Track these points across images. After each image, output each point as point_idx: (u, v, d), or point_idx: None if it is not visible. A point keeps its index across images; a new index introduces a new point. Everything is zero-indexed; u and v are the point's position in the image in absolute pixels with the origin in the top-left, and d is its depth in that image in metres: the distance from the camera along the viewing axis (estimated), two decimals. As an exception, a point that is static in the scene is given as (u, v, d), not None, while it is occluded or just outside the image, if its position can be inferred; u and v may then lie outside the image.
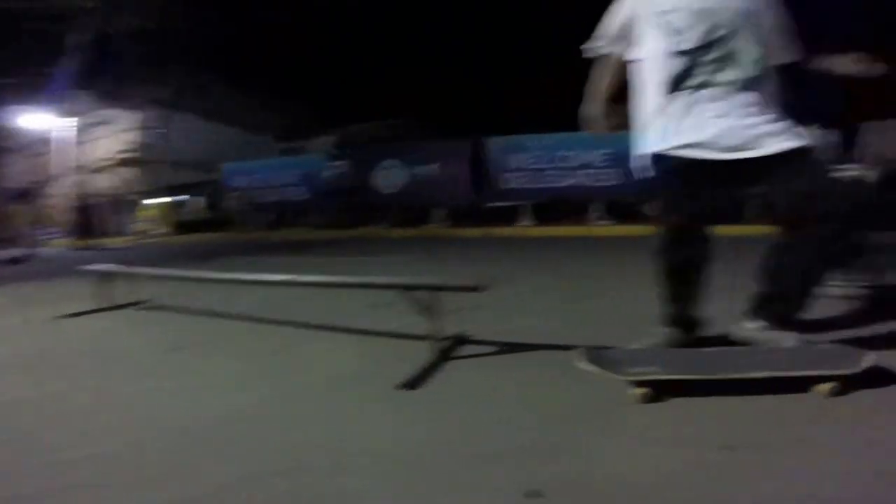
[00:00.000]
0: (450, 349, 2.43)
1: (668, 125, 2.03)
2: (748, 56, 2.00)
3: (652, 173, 2.11)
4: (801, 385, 1.69)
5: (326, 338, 2.88)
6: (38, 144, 16.35)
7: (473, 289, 2.29)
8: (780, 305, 2.05)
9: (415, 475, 1.40)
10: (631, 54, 2.20)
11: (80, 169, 15.75)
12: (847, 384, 1.66)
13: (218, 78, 15.05)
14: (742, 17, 2.00)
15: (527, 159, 11.01)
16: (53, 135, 15.50)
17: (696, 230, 2.06)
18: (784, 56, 2.12)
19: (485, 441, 1.58)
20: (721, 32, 1.99)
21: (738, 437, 1.48)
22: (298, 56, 15.18)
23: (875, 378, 1.69)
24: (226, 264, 6.36)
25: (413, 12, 14.99)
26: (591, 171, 10.54)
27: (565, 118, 11.60)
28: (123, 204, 15.25)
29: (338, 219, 12.57)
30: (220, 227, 13.51)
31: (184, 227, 14.10)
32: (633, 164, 2.23)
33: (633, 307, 2.76)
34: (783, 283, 2.03)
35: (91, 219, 14.50)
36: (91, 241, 12.76)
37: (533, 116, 12.32)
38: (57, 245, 13.58)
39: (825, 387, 1.67)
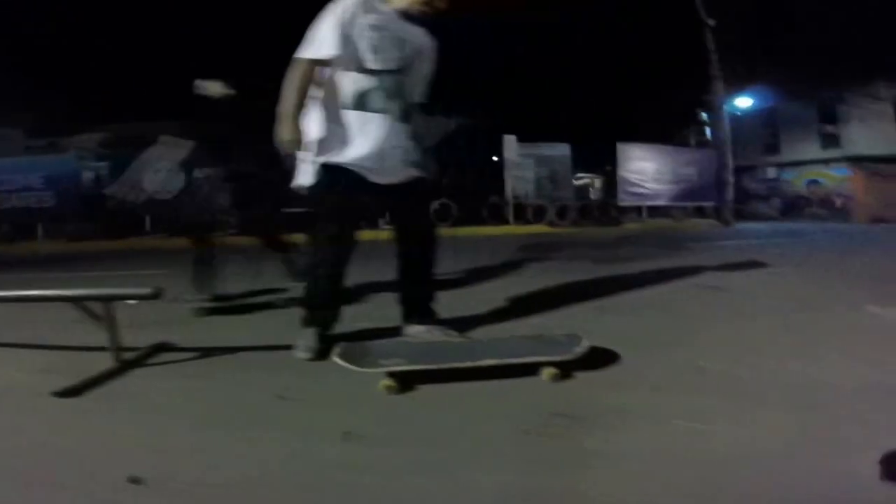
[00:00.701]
0: (141, 359, 2.34)
1: (344, 139, 2.17)
2: (413, 90, 2.30)
3: (317, 180, 2.22)
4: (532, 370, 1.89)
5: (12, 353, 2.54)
6: None
7: (154, 296, 2.23)
8: (428, 304, 2.45)
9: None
10: (335, 63, 2.17)
11: None
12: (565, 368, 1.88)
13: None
14: (420, 54, 2.29)
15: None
16: None
17: (350, 240, 2.30)
18: (421, 97, 2.41)
19: (112, 441, 1.57)
20: (404, 63, 2.22)
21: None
22: (57, 44, 12.87)
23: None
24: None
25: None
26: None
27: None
28: None
29: (98, 228, 11.05)
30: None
31: None
32: (298, 172, 2.29)
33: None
34: (427, 285, 2.44)
35: None
36: None
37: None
38: None
39: (548, 371, 1.86)
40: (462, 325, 2.58)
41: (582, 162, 15.15)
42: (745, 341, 2.35)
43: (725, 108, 14.03)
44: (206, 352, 2.41)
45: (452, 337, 2.33)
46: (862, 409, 1.53)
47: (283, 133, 2.12)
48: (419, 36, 2.30)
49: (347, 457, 1.40)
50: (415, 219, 2.41)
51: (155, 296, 2.15)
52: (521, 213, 12.41)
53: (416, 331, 2.38)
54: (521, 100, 15.09)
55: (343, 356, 1.93)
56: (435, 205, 11.44)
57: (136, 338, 2.41)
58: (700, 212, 13.84)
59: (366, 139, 2.16)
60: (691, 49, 13.45)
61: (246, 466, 1.38)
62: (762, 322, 2.70)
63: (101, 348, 2.25)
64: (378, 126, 2.17)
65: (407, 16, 2.23)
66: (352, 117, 2.17)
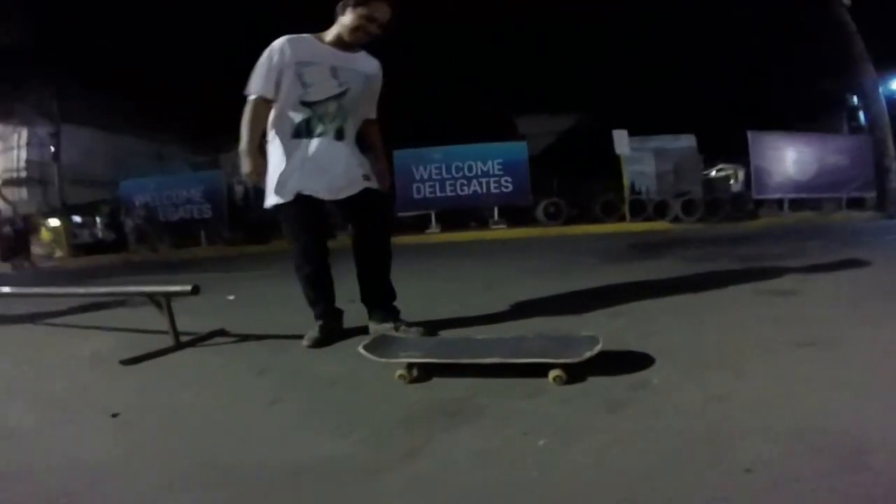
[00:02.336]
0: (196, 341, 2.62)
1: (294, 168, 2.34)
2: (358, 113, 2.49)
3: (281, 202, 2.37)
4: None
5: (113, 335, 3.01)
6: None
7: (192, 291, 2.49)
8: (389, 302, 2.57)
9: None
10: (276, 100, 2.34)
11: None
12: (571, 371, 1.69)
13: (115, 89, 14.45)
14: (364, 80, 2.44)
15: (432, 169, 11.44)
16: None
17: (320, 246, 2.48)
18: (372, 114, 2.63)
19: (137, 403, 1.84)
20: (344, 89, 2.36)
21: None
22: (205, 66, 14.87)
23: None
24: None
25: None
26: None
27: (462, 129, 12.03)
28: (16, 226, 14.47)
29: (243, 235, 12.51)
30: (120, 248, 13.09)
31: (82, 249, 13.53)
32: (266, 200, 2.43)
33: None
34: (385, 285, 2.57)
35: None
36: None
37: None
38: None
39: (553, 374, 1.69)
40: (493, 319, 2.58)
41: (716, 153, 13.80)
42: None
43: (881, 90, 11.87)
44: (244, 337, 2.69)
45: (412, 334, 2.36)
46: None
47: (244, 167, 2.32)
48: (358, 60, 2.44)
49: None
50: (369, 226, 2.53)
51: (195, 291, 2.51)
52: (640, 210, 11.60)
53: (380, 328, 2.45)
54: (640, 91, 14.10)
55: (367, 347, 2.00)
56: (544, 204, 11.26)
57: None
58: (857, 203, 11.81)
59: (314, 165, 2.35)
60: (832, 30, 11.66)
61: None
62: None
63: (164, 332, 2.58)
64: (322, 150, 2.36)
65: (343, 45, 2.37)
66: (299, 146, 2.36)
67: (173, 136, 17.99)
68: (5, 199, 15.23)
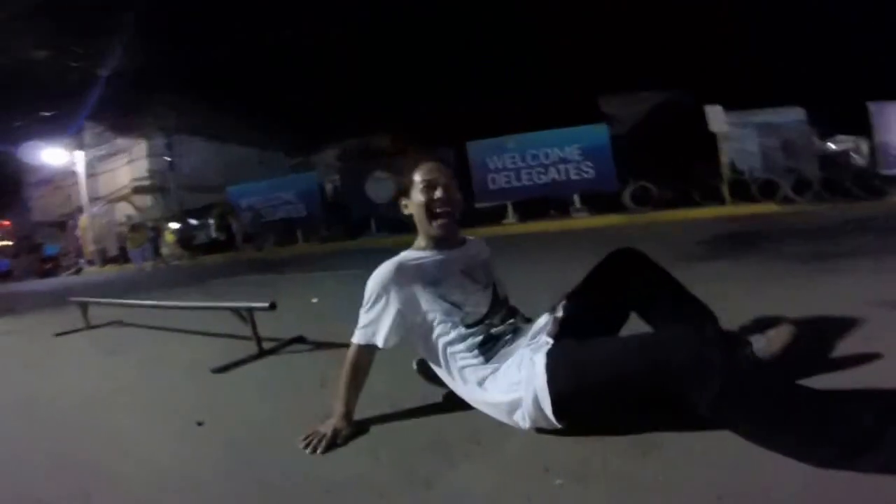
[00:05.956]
0: (278, 348, 2.88)
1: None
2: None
3: None
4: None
5: (210, 342, 3.38)
6: (62, 177, 17.70)
7: (269, 307, 2.71)
8: None
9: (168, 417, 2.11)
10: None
11: (99, 200, 17.02)
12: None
13: (220, 100, 15.93)
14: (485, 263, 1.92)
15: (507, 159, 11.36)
16: (77, 168, 16.78)
17: None
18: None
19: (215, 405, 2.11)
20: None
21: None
22: (293, 72, 15.85)
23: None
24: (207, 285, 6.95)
25: (392, 28, 15.43)
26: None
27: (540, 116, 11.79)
28: (144, 230, 16.40)
29: (337, 231, 13.26)
30: (230, 247, 14.41)
31: (198, 249, 15.08)
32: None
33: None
34: None
35: (118, 246, 15.82)
36: (118, 267, 13.94)
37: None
38: (90, 272, 14.87)
39: None
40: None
41: (833, 127, 12.38)
42: None
43: None
44: (318, 345, 2.93)
45: None
46: None
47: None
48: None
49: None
50: None
51: (272, 307, 2.73)
52: (743, 191, 10.70)
53: None
54: (741, 62, 12.96)
55: (419, 364, 2.00)
56: (632, 188, 10.76)
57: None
58: None
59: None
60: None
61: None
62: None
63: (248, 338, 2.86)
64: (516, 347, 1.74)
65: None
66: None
67: (272, 141, 19.38)
68: (136, 207, 17.33)
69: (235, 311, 2.92)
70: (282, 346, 2.95)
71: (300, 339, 3.04)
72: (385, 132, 16.03)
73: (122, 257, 16.09)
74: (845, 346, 1.86)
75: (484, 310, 1.71)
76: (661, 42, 13.28)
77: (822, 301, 2.43)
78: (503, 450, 1.48)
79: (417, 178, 1.75)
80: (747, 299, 2.63)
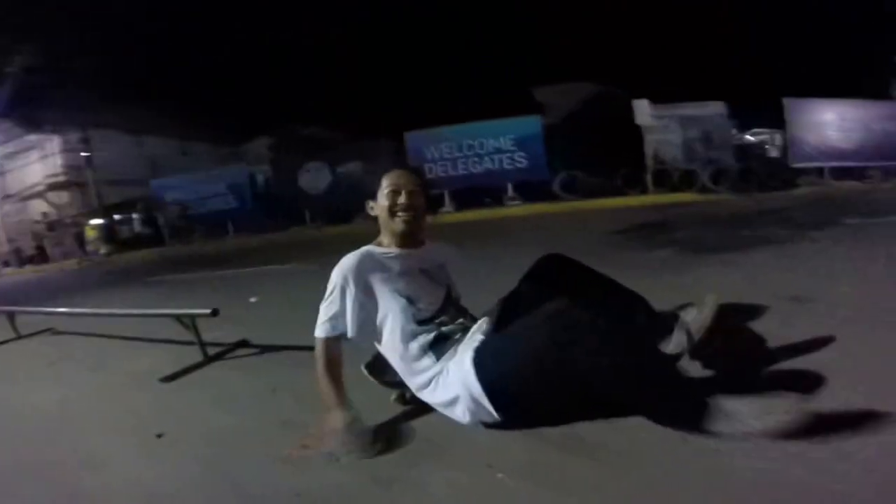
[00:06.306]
0: (224, 353, 2.92)
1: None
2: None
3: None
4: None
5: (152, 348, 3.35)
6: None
7: (212, 314, 2.74)
8: None
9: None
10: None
11: (11, 198, 15.80)
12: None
13: (135, 92, 15.12)
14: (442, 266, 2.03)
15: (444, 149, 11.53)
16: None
17: None
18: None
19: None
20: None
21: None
22: (222, 65, 15.25)
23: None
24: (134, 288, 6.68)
25: (329, 18, 15.12)
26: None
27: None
28: (62, 228, 15.36)
29: (269, 224, 12.97)
30: (158, 242, 13.76)
31: (124, 244, 14.28)
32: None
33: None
34: None
35: (35, 245, 14.75)
36: (35, 268, 13.00)
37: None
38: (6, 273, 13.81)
39: None
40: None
41: (750, 120, 13.33)
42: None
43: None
44: (264, 349, 2.97)
45: None
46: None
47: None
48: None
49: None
50: None
51: (214, 314, 2.75)
52: (665, 180, 11.39)
53: None
54: (665, 57, 13.73)
55: (368, 367, 2.07)
56: (561, 177, 11.22)
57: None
58: None
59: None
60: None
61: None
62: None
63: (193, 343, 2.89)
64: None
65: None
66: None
67: (194, 132, 18.55)
68: (52, 204, 16.18)
69: (178, 318, 2.93)
70: (226, 351, 2.97)
71: (244, 343, 3.08)
72: (319, 122, 15.74)
73: (41, 257, 15.00)
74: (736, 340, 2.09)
75: (436, 307, 1.83)
76: (595, 38, 13.81)
77: (729, 291, 2.54)
78: (451, 448, 1.61)
79: (385, 183, 1.88)
80: (657, 287, 2.61)
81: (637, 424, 1.49)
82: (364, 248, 1.87)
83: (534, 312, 1.57)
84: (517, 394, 1.58)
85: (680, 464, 1.34)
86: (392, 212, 1.87)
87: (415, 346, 1.77)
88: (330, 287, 1.80)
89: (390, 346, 1.81)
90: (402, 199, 1.86)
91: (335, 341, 1.80)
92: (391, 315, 1.79)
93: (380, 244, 1.93)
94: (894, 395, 1.49)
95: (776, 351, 1.93)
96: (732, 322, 2.08)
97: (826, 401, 1.49)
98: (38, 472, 1.82)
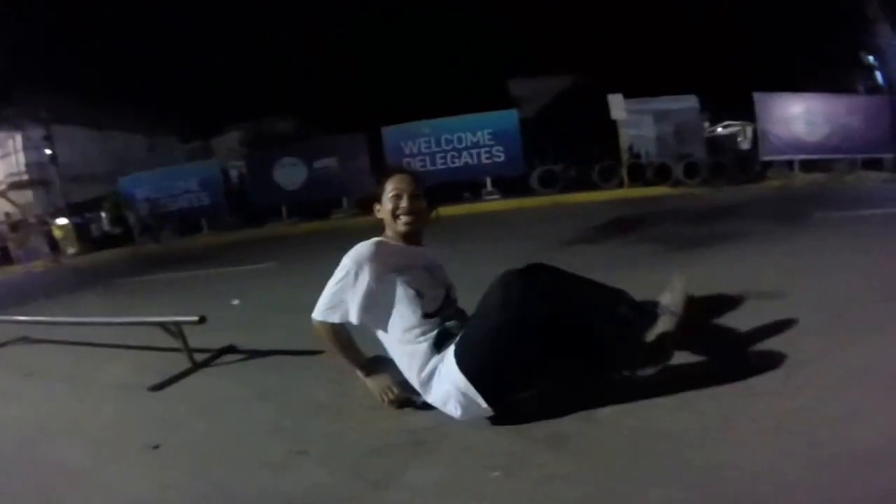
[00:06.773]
0: (210, 360, 2.88)
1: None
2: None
3: None
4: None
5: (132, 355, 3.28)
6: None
7: (199, 321, 2.70)
8: None
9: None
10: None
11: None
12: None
13: (103, 86, 14.61)
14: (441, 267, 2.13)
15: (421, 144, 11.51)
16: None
17: None
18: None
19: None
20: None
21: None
22: (186, 56, 14.86)
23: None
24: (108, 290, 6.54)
25: (302, 11, 14.87)
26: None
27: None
28: (26, 228, 14.80)
29: (242, 220, 12.76)
30: (127, 241, 13.38)
31: (93, 243, 13.83)
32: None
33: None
34: None
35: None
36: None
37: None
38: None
39: None
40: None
41: (722, 114, 13.62)
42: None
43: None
44: (250, 355, 2.95)
45: None
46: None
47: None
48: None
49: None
50: None
51: (202, 321, 2.70)
52: (639, 174, 11.56)
53: None
54: (639, 51, 13.91)
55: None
56: (539, 171, 11.32)
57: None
58: (874, 165, 11.56)
59: None
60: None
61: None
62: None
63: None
64: None
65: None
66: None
67: (161, 126, 18.08)
68: (13, 203, 15.55)
69: (163, 326, 2.88)
70: (213, 357, 2.94)
71: (231, 349, 3.05)
72: (293, 116, 15.51)
73: (4, 259, 14.36)
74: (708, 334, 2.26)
75: (438, 305, 1.92)
76: (569, 31, 13.91)
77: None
78: (440, 448, 1.66)
79: (388, 187, 2.02)
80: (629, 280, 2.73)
81: (616, 421, 1.64)
82: (377, 239, 1.98)
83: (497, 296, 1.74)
84: (494, 371, 1.71)
85: (655, 455, 1.45)
86: (395, 215, 2.01)
87: (420, 337, 1.85)
88: (342, 272, 1.89)
89: (396, 335, 1.89)
90: (403, 203, 1.99)
91: (342, 326, 1.93)
92: (399, 305, 1.88)
93: (388, 238, 2.05)
94: (860, 384, 1.64)
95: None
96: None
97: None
98: (16, 488, 1.79)
